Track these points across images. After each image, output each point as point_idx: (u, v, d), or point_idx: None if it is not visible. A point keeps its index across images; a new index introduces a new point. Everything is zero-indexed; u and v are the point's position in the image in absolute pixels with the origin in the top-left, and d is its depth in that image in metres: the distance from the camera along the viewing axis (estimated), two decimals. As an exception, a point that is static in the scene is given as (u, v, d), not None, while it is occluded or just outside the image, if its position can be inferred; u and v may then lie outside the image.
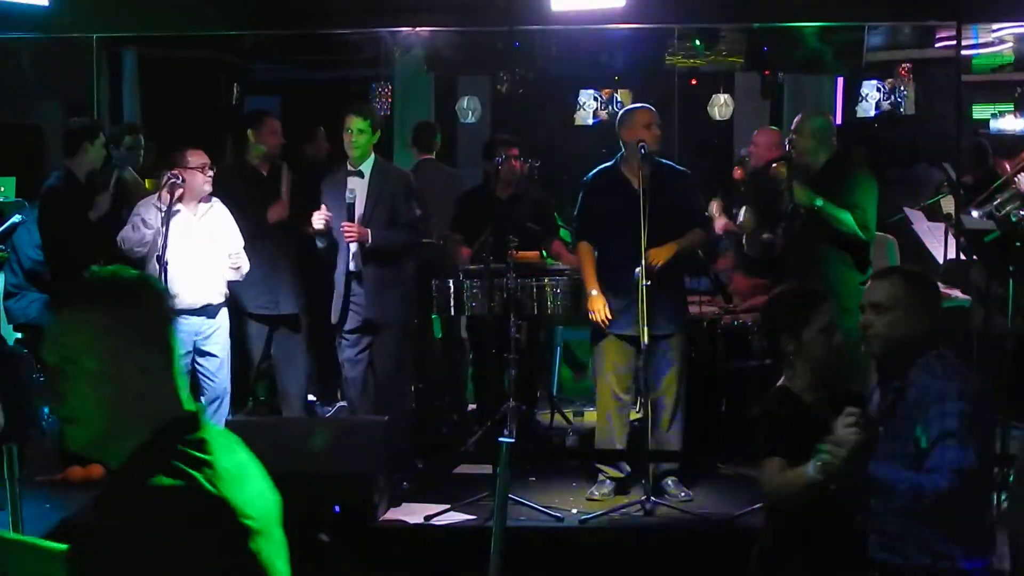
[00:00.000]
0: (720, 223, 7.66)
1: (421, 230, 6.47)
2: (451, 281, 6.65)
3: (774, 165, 6.15)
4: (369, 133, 6.22)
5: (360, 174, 6.25)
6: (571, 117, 10.77)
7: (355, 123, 6.19)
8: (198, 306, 6.10)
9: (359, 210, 6.17)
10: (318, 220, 6.16)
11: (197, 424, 1.91)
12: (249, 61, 11.30)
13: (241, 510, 1.81)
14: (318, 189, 6.38)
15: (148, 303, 1.90)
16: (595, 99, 10.69)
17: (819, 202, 5.80)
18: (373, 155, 6.29)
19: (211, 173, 6.10)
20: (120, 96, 9.52)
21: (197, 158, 6.08)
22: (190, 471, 1.80)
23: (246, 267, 6.26)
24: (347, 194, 6.11)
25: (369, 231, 6.13)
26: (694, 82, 10.83)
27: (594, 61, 10.70)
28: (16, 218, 6.71)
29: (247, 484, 1.89)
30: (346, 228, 6.10)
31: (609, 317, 5.87)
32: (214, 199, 6.24)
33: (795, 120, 6.22)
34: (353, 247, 6.19)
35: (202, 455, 1.84)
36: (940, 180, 8.15)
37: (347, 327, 6.28)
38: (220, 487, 1.80)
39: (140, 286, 1.91)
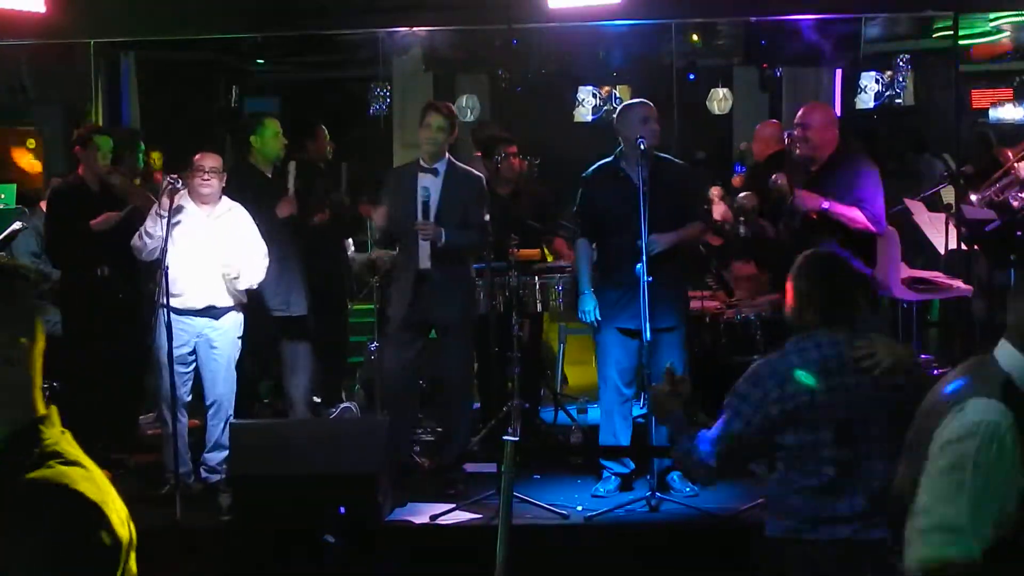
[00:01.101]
0: (719, 209, 7.64)
1: (489, 233, 6.22)
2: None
3: (775, 179, 6.00)
4: (448, 131, 6.09)
5: (435, 172, 6.09)
6: (570, 114, 10.79)
7: (436, 120, 6.06)
8: (201, 307, 6.01)
9: (432, 208, 6.02)
10: (379, 217, 6.13)
11: (56, 423, 1.88)
12: (248, 62, 11.31)
13: (108, 512, 1.79)
14: (319, 187, 6.28)
15: (19, 292, 1.86)
16: (594, 95, 10.71)
17: (825, 204, 5.73)
18: (447, 154, 6.19)
19: (208, 176, 6.03)
20: (119, 100, 9.53)
21: (196, 161, 6.07)
22: (64, 471, 1.77)
23: (257, 278, 6.13)
24: (420, 191, 5.98)
25: (443, 230, 5.99)
26: (693, 77, 10.83)
27: (592, 58, 10.72)
28: (17, 225, 6.70)
29: (105, 485, 1.87)
30: (421, 226, 6.00)
31: (600, 319, 5.87)
32: (234, 204, 6.16)
33: (799, 113, 6.01)
34: (424, 246, 6.03)
35: (70, 456, 1.82)
36: (941, 170, 8.16)
37: (406, 326, 6.12)
38: (89, 488, 1.78)
39: (12, 275, 1.88)
